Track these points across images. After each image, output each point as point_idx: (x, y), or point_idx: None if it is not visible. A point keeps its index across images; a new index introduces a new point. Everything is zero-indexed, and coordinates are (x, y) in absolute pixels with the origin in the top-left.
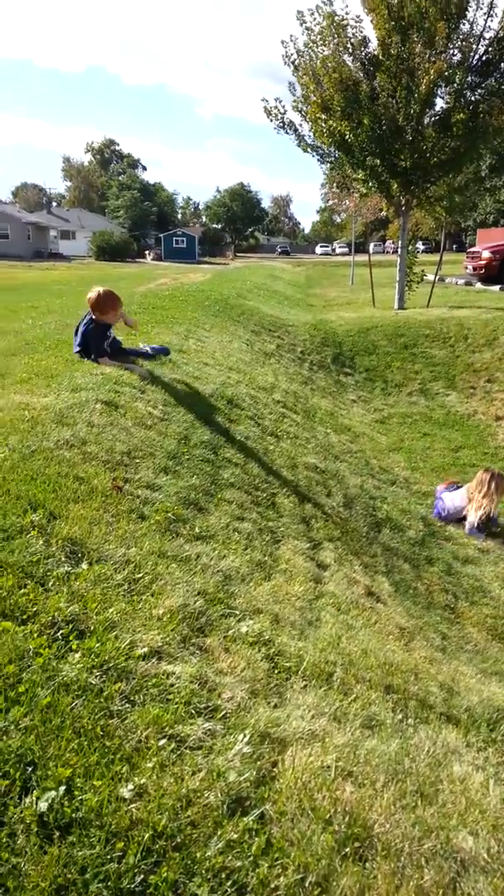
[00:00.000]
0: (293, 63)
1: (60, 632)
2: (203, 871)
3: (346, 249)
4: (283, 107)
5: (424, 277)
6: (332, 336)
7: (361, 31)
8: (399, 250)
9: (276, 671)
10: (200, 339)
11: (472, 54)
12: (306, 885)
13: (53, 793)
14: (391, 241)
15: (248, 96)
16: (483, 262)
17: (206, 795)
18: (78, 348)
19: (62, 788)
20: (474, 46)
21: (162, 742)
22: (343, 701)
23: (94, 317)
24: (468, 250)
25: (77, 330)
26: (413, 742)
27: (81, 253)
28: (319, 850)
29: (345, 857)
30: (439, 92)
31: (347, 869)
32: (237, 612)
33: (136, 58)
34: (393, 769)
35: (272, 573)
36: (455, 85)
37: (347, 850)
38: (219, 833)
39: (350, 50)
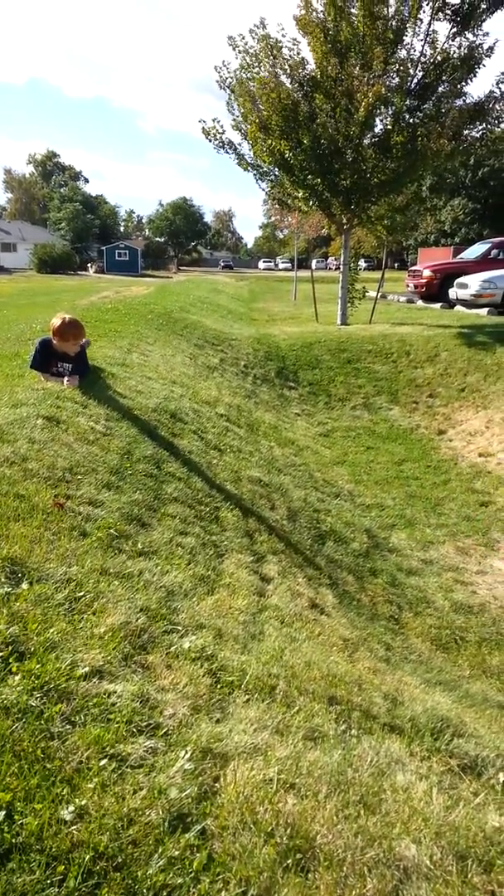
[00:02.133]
0: (228, 87)
1: (0, 654)
2: (144, 890)
3: (288, 265)
4: (222, 127)
5: (366, 294)
6: (275, 350)
7: (299, 53)
8: (341, 267)
9: (218, 686)
10: (143, 353)
11: (409, 79)
12: None
13: None
14: (333, 258)
15: (191, 111)
16: (424, 281)
17: (147, 813)
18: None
19: (2, 813)
20: (411, 71)
21: (103, 762)
22: (286, 714)
23: (53, 340)
24: (410, 268)
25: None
26: (356, 753)
27: (23, 265)
28: (261, 862)
29: (287, 869)
30: (378, 114)
31: (289, 880)
32: (180, 628)
33: (77, 70)
34: (336, 780)
35: (215, 587)
36: (393, 108)
37: (289, 861)
38: (160, 850)
39: (287, 71)
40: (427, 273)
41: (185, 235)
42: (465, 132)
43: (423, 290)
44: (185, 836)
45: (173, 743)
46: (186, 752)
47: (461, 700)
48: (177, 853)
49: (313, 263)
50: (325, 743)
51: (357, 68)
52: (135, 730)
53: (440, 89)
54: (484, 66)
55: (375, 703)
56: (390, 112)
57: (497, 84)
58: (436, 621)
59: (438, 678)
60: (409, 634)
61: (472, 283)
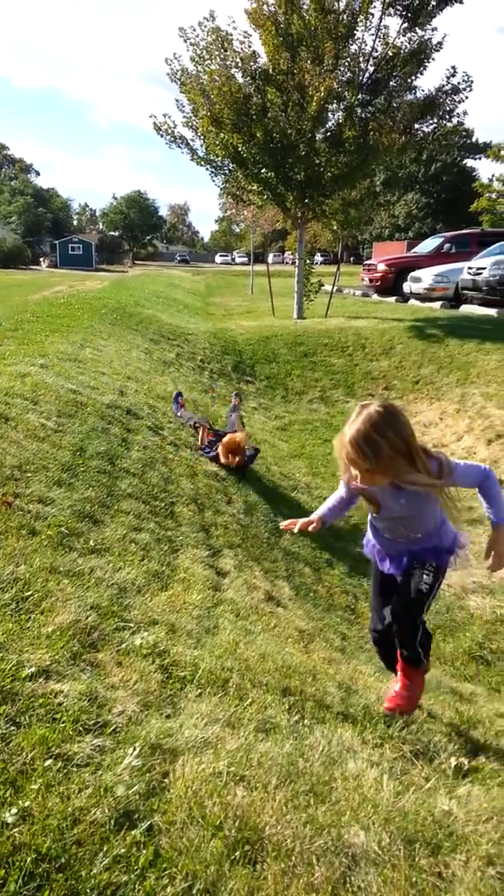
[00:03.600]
0: (179, 80)
1: None
2: (88, 890)
3: (245, 259)
4: (174, 121)
5: (322, 287)
6: (232, 344)
7: (250, 46)
8: (297, 261)
9: (170, 681)
10: (97, 349)
11: (360, 73)
12: (194, 892)
13: None
14: (290, 252)
15: (143, 103)
16: (379, 275)
17: (93, 812)
18: None
19: None
20: (363, 65)
21: (48, 762)
22: (238, 706)
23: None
24: (365, 263)
25: None
26: (308, 742)
27: None
28: (208, 856)
29: (234, 862)
30: (330, 109)
31: (236, 873)
32: (132, 625)
33: (26, 60)
34: (286, 771)
35: (170, 583)
36: (345, 102)
37: (237, 854)
38: (105, 849)
39: (239, 64)
40: (382, 267)
41: (141, 229)
42: (416, 126)
43: (378, 283)
44: (132, 834)
45: (122, 740)
46: (135, 749)
47: None
48: (122, 851)
49: (270, 258)
50: (276, 734)
51: (309, 62)
52: (82, 728)
53: (391, 84)
54: (433, 60)
55: (329, 692)
56: (342, 106)
57: (447, 79)
58: None
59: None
60: (365, 624)
61: (426, 277)
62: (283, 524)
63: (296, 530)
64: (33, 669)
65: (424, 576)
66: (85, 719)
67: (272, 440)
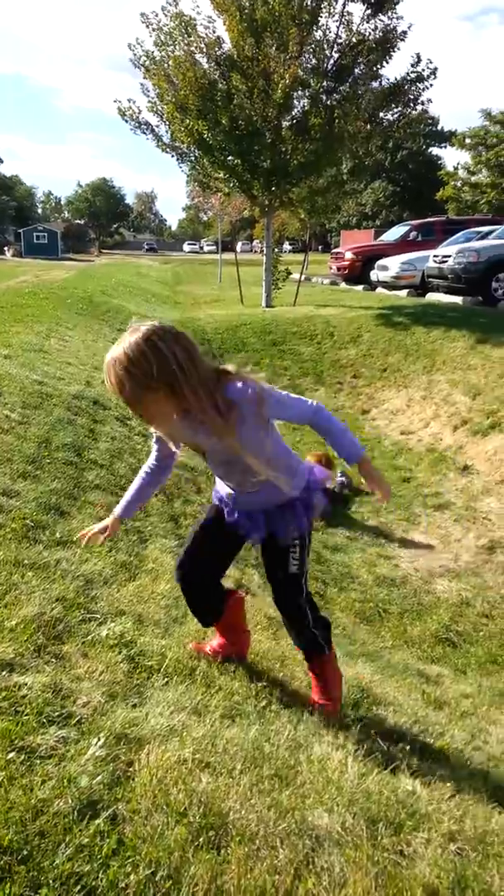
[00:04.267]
0: (143, 65)
1: None
2: (50, 881)
3: (213, 247)
4: (139, 107)
5: (290, 276)
6: (201, 333)
7: (214, 31)
8: (264, 249)
9: (137, 671)
10: (63, 339)
11: (325, 60)
12: (157, 879)
13: None
14: (258, 241)
15: (108, 89)
16: (346, 263)
17: (56, 804)
18: None
19: None
20: (328, 52)
21: (11, 755)
22: (205, 694)
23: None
24: (333, 251)
25: None
26: (274, 727)
27: None
28: (172, 843)
29: (198, 848)
30: (295, 96)
31: (200, 858)
32: (98, 616)
33: None
34: (252, 755)
35: (138, 573)
36: (310, 90)
37: (201, 839)
38: (68, 839)
39: (203, 50)
40: (349, 255)
41: (107, 217)
42: (382, 114)
43: (346, 272)
44: (95, 823)
45: (86, 731)
46: (99, 739)
47: (382, 670)
48: (85, 840)
49: (238, 246)
50: (243, 720)
51: (273, 48)
52: (46, 721)
53: (356, 71)
54: (398, 49)
55: (297, 677)
56: (307, 94)
57: (411, 67)
58: (360, 595)
59: (361, 650)
60: (334, 609)
61: (392, 266)
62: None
63: (84, 544)
64: None
65: (291, 557)
66: (49, 711)
67: None
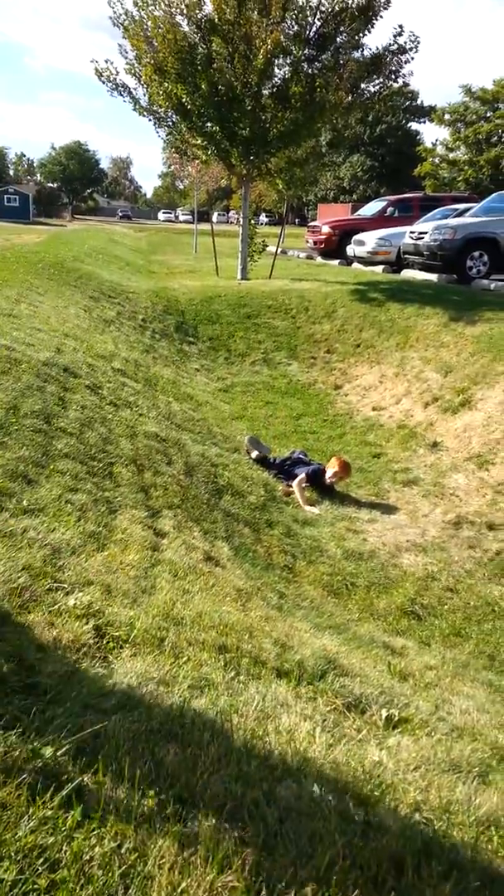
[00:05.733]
0: (122, 24)
1: None
2: (12, 854)
3: (189, 217)
4: (116, 69)
5: (266, 248)
6: (174, 304)
7: None
8: (241, 220)
9: (104, 641)
10: (33, 304)
11: (307, 27)
12: (122, 851)
13: None
14: (234, 212)
15: (83, 49)
16: (323, 237)
17: (19, 775)
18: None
19: None
20: (310, 19)
21: None
22: (173, 664)
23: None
24: (309, 224)
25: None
26: (242, 699)
27: None
28: (139, 815)
29: (165, 820)
30: (276, 63)
31: (167, 830)
32: (66, 586)
33: None
34: (220, 727)
35: (106, 544)
36: (292, 57)
37: (168, 811)
38: (31, 812)
39: (184, 11)
40: (326, 229)
41: (80, 182)
42: (363, 85)
43: (323, 246)
44: (60, 795)
45: (51, 700)
46: (64, 710)
47: (349, 642)
48: (49, 813)
49: (214, 216)
50: (211, 691)
51: (255, 13)
52: (10, 690)
53: (339, 39)
54: (381, 17)
55: (265, 649)
56: (289, 61)
57: (393, 38)
58: (328, 569)
59: (329, 622)
60: (303, 582)
61: (369, 241)
62: None
63: None
64: None
65: None
66: (14, 681)
67: (214, 402)
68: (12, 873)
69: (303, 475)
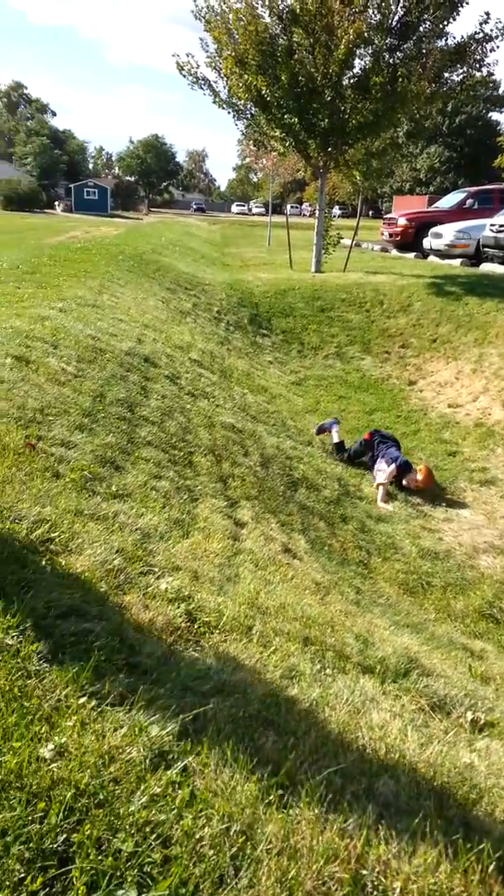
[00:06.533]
0: (204, 17)
1: None
2: (127, 826)
3: (262, 209)
4: (196, 62)
5: (341, 241)
6: (248, 297)
7: None
8: (317, 212)
9: (195, 626)
10: (115, 295)
11: (391, 16)
12: (231, 833)
13: None
14: (308, 204)
15: (161, 43)
16: (399, 229)
17: (128, 751)
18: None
19: None
20: (393, 7)
21: (82, 700)
22: (262, 653)
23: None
24: (385, 217)
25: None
26: (332, 691)
27: None
28: (243, 799)
29: (269, 805)
30: (358, 53)
31: (272, 816)
32: (156, 570)
33: None
34: (314, 718)
35: (190, 531)
36: (373, 47)
37: (271, 797)
38: (142, 788)
39: (265, 3)
40: (402, 221)
41: (157, 175)
42: (446, 75)
43: (399, 238)
44: (168, 774)
45: (153, 681)
46: (165, 690)
47: (428, 642)
48: (159, 790)
49: (288, 208)
50: (302, 681)
51: (337, 3)
52: (114, 668)
53: (421, 28)
54: (467, 4)
55: (348, 643)
56: (370, 51)
57: (479, 26)
58: (403, 566)
59: (406, 621)
60: (378, 579)
61: (447, 234)
62: None
63: None
64: (64, 608)
65: None
66: (116, 659)
67: (287, 395)
68: (129, 845)
69: (393, 467)
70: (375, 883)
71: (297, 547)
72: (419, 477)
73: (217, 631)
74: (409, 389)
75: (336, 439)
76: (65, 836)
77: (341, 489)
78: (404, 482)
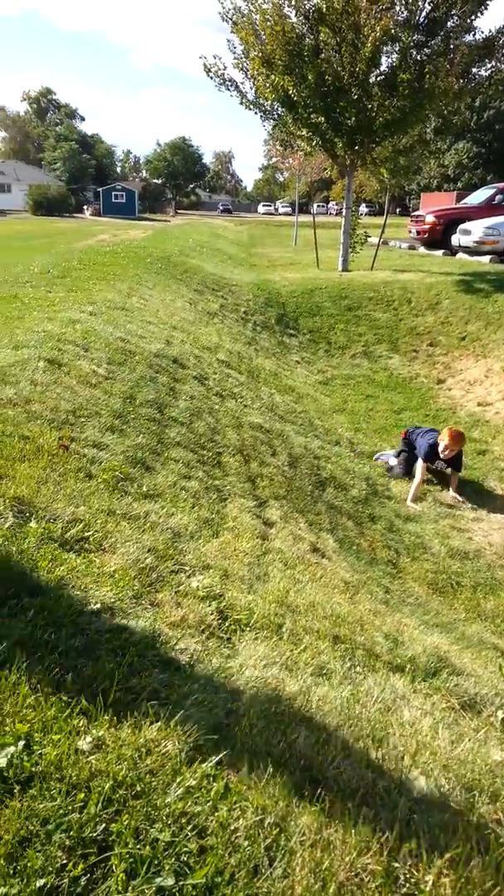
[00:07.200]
0: (231, 19)
1: (10, 590)
2: (164, 818)
3: (288, 209)
4: (223, 63)
5: (368, 239)
6: (275, 297)
7: None
8: (344, 211)
9: (227, 623)
10: (143, 298)
11: (418, 12)
12: (265, 825)
13: (12, 748)
14: (334, 203)
15: (187, 45)
16: (427, 227)
17: (163, 744)
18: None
19: (21, 743)
20: (420, 3)
21: (118, 695)
22: (293, 651)
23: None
24: (412, 214)
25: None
26: (363, 689)
27: (17, 207)
28: (277, 792)
29: (302, 798)
30: (385, 51)
31: (305, 809)
32: (187, 568)
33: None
34: (345, 714)
35: (220, 530)
36: (400, 44)
37: (305, 791)
38: (178, 780)
39: (292, 3)
40: (430, 218)
41: (184, 177)
42: (474, 70)
43: (426, 235)
44: (202, 767)
45: (186, 676)
46: (199, 686)
47: (458, 641)
48: (194, 783)
49: (314, 208)
50: (332, 679)
51: (364, 0)
52: (148, 664)
53: (449, 24)
54: None
55: (377, 642)
56: (397, 48)
57: None
58: (432, 566)
59: (435, 620)
60: (407, 578)
61: (476, 230)
62: None
63: None
64: (98, 605)
65: None
66: (150, 655)
67: (314, 394)
68: (167, 835)
69: (420, 463)
70: (407, 875)
71: (326, 546)
72: (446, 442)
73: (248, 628)
74: (437, 388)
75: (390, 462)
76: (104, 825)
77: (369, 489)
78: (442, 459)
